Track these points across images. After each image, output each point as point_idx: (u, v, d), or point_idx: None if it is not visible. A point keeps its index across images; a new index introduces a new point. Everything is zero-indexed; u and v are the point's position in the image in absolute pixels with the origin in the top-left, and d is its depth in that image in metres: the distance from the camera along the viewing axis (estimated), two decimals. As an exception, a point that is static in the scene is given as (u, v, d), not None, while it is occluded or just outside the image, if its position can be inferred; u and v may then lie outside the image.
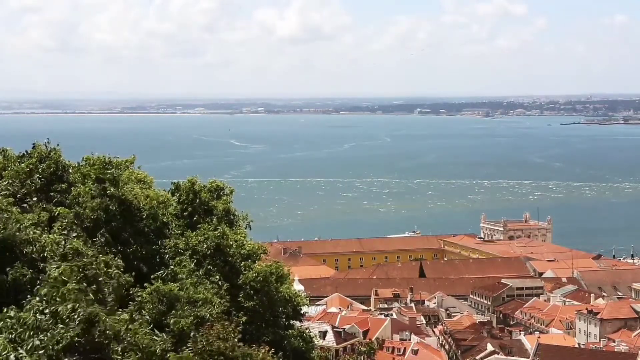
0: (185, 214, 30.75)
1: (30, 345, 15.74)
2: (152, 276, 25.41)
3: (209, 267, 27.77)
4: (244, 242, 30.02)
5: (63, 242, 22.47)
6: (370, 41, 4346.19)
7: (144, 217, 28.20)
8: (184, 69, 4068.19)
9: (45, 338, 15.82)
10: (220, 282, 27.15)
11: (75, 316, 16.24)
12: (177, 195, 31.44)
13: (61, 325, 16.08)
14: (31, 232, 21.87)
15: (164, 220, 29.26)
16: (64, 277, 17.70)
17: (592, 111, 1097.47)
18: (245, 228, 32.64)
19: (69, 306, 16.33)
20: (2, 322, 16.61)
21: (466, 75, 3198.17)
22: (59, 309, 16.30)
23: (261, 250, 31.45)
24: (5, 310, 17.07)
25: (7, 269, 19.98)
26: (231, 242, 29.30)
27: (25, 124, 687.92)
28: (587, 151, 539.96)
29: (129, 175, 30.62)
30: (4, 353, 15.61)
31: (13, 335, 16.06)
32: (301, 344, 31.03)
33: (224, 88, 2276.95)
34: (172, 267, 26.77)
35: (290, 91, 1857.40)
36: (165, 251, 27.99)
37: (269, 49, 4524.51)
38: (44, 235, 22.41)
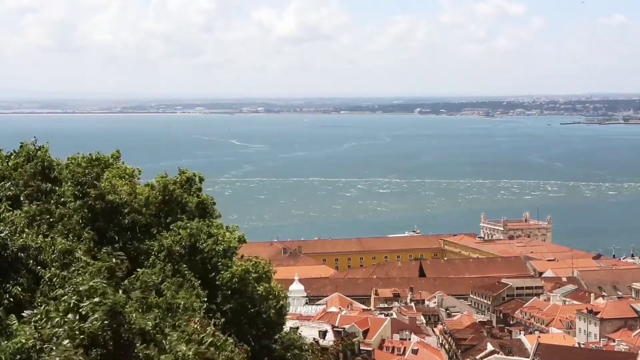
0: (161, 213, 30.09)
1: (53, 337, 15.12)
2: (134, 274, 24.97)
3: (184, 266, 27.10)
4: (219, 239, 28.80)
5: (55, 243, 22.21)
6: (369, 41, 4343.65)
7: (128, 213, 27.81)
8: (184, 69, 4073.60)
9: (67, 330, 15.44)
10: (195, 282, 26.43)
11: (98, 309, 15.86)
12: (153, 194, 30.73)
13: (84, 321, 15.64)
14: (29, 237, 21.40)
15: (149, 218, 28.73)
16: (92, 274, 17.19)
17: (592, 111, 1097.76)
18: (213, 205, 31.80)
19: (95, 299, 15.70)
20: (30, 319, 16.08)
21: (466, 75, 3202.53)
22: (82, 304, 15.88)
23: (238, 242, 30.55)
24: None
25: (6, 283, 19.32)
26: (205, 238, 28.22)
27: (25, 124, 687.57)
28: (587, 151, 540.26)
29: (116, 171, 30.22)
30: (29, 342, 15.31)
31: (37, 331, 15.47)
32: (293, 353, 30.43)
33: (224, 88, 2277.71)
34: (143, 270, 26.16)
35: (290, 91, 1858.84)
36: (148, 250, 27.49)
37: (268, 48, 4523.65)
38: (40, 237, 22.05)
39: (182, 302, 23.30)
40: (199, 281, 26.71)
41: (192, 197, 30.61)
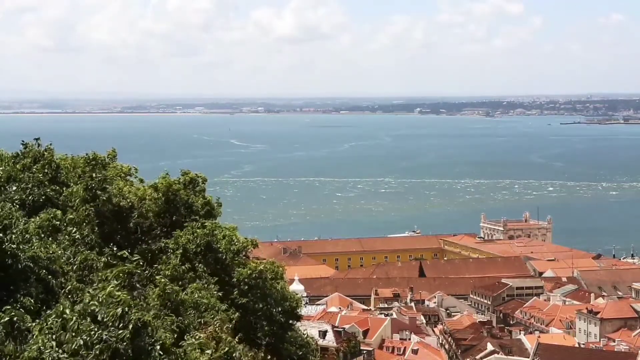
0: (166, 214, 30.12)
1: (73, 346, 15.13)
2: (151, 278, 25.01)
3: (199, 265, 27.42)
4: (233, 239, 29.46)
5: (74, 253, 22.19)
6: (368, 41, 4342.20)
7: (135, 216, 27.91)
8: (183, 69, 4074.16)
9: (89, 340, 15.21)
10: (210, 279, 26.82)
11: (124, 321, 15.64)
12: (156, 195, 30.73)
13: (106, 331, 15.42)
14: (40, 247, 21.26)
15: (152, 219, 28.80)
16: (114, 282, 17.06)
17: (592, 111, 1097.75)
18: (219, 207, 32.01)
19: (118, 311, 15.75)
20: (44, 322, 16.13)
21: (466, 75, 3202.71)
22: (108, 311, 15.70)
23: (251, 244, 30.99)
24: (52, 309, 16.62)
25: (17, 293, 19.07)
26: (220, 238, 28.83)
27: (25, 124, 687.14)
28: (587, 151, 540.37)
29: (115, 171, 30.22)
30: (46, 352, 15.01)
31: (54, 337, 15.50)
32: (301, 351, 30.61)
33: (224, 88, 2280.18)
34: (155, 265, 26.42)
35: (290, 91, 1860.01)
36: (153, 250, 27.59)
37: (267, 48, 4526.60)
38: (52, 247, 21.94)
39: (206, 302, 23.69)
40: (214, 279, 27.11)
41: (198, 198, 30.77)
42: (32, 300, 18.59)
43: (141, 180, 31.42)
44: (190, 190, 30.88)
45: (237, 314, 26.39)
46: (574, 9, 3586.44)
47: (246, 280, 28.40)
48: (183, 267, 26.33)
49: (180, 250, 27.45)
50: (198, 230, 28.00)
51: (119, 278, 18.08)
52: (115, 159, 31.65)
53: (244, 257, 29.82)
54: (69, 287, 19.27)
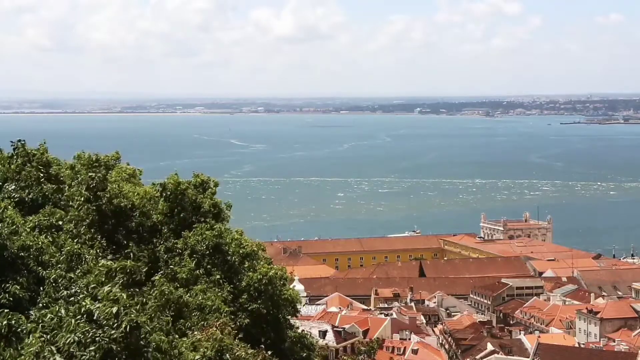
0: (174, 212, 30.22)
1: (67, 346, 15.15)
2: (152, 278, 25.06)
3: (208, 266, 27.47)
4: (242, 242, 29.66)
5: (61, 245, 22.18)
6: (367, 41, 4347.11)
7: (136, 215, 27.91)
8: (183, 69, 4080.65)
9: (83, 339, 15.24)
10: (221, 281, 26.92)
11: (117, 321, 15.60)
12: (164, 194, 30.81)
13: (101, 330, 15.45)
14: (29, 237, 21.27)
15: (155, 219, 28.82)
16: (110, 278, 17.13)
17: (592, 111, 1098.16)
18: (228, 210, 32.07)
19: (114, 310, 15.74)
20: (40, 321, 16.17)
21: (466, 75, 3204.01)
22: (103, 310, 15.72)
23: (259, 248, 31.13)
24: (46, 308, 16.71)
25: (5, 283, 19.05)
26: (229, 240, 28.94)
27: (25, 124, 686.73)
28: (587, 151, 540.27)
29: (118, 172, 30.26)
30: (44, 354, 15.04)
31: (48, 336, 15.52)
32: (303, 352, 30.62)
33: (223, 88, 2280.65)
34: (171, 267, 26.49)
35: (290, 91, 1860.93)
36: (159, 250, 27.61)
37: (266, 48, 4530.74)
38: (41, 238, 22.01)
39: (210, 304, 23.67)
40: (227, 286, 27.07)
41: (206, 199, 30.80)
42: (23, 289, 18.61)
43: (153, 184, 31.45)
44: (199, 191, 30.94)
45: (247, 320, 26.41)
46: (573, 8, 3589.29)
47: (256, 285, 28.35)
48: (197, 271, 26.36)
49: (189, 251, 27.48)
50: (207, 232, 28.05)
51: (121, 274, 18.09)
52: (120, 160, 31.80)
53: (251, 260, 29.84)
54: (54, 275, 19.26)
